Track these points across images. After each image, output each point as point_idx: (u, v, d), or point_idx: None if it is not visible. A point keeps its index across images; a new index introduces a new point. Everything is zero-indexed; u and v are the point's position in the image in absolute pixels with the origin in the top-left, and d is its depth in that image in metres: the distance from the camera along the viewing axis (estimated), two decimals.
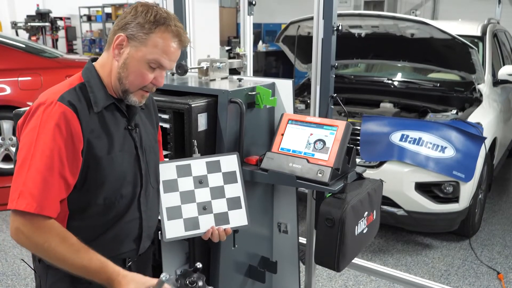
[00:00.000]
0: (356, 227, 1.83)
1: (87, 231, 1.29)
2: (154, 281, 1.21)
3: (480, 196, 3.79)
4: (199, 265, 1.25)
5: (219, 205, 1.63)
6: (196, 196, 1.62)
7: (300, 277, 2.27)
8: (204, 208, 1.61)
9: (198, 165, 1.67)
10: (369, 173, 3.16)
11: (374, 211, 1.98)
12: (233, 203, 1.65)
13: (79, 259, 1.23)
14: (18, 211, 1.21)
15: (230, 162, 1.70)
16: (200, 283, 1.21)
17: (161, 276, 1.17)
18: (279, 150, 1.89)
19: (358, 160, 3.30)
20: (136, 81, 1.34)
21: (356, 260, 2.33)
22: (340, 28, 1.93)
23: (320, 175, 1.74)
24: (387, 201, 3.36)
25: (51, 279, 1.39)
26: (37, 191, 1.21)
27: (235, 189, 1.67)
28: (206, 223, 1.60)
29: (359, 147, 3.37)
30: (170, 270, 1.89)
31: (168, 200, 1.59)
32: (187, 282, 1.18)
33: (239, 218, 1.65)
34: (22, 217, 1.21)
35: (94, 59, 1.42)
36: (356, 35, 3.74)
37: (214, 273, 1.92)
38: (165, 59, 1.34)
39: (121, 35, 1.32)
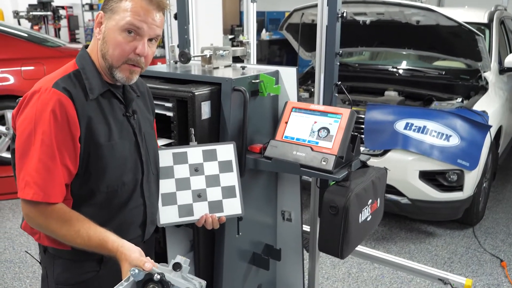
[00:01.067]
0: (360, 215, 1.83)
1: (92, 219, 1.29)
2: (142, 261, 1.19)
3: (484, 185, 3.78)
4: (181, 260, 1.21)
5: (214, 193, 1.64)
6: (192, 183, 1.64)
7: (304, 265, 2.28)
8: (199, 195, 1.63)
9: (194, 153, 1.67)
10: (373, 162, 3.15)
11: (378, 199, 1.98)
12: (228, 192, 1.66)
13: (79, 239, 1.26)
14: (25, 200, 1.25)
15: (226, 151, 1.71)
16: None
17: (130, 270, 1.15)
18: (283, 138, 1.88)
19: (362, 149, 3.29)
20: (116, 52, 1.30)
21: (359, 248, 2.33)
22: (344, 15, 1.91)
23: (324, 163, 1.73)
24: (391, 189, 3.36)
25: (58, 269, 1.40)
26: (41, 180, 1.23)
27: (231, 178, 1.68)
28: (200, 210, 1.61)
29: (363, 136, 3.36)
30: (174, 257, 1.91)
31: (163, 186, 1.60)
32: None
33: (233, 207, 1.66)
34: (29, 204, 1.26)
35: (88, 46, 1.40)
36: (360, 22, 3.71)
37: (218, 261, 1.93)
38: (138, 21, 1.28)
39: (100, 12, 1.32)
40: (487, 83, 3.95)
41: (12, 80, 4.53)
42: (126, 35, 1.28)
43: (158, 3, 1.31)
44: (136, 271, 1.15)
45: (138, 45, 1.30)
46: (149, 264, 1.16)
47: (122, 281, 1.16)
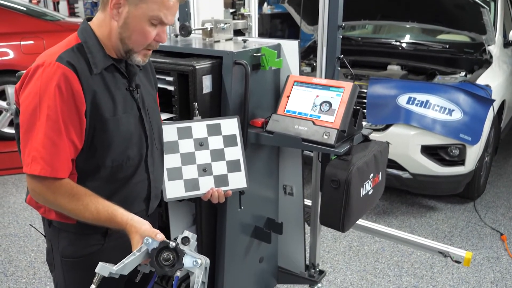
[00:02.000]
0: (362, 188, 1.83)
1: (97, 193, 1.30)
2: (154, 232, 1.23)
3: (486, 159, 3.78)
4: (189, 234, 1.23)
5: (219, 168, 1.65)
6: (197, 158, 1.65)
7: (305, 238, 2.30)
8: (204, 170, 1.64)
9: (199, 127, 1.67)
10: (375, 136, 3.13)
11: (380, 173, 1.98)
12: (233, 166, 1.67)
13: (88, 213, 1.27)
14: (31, 175, 1.25)
15: (230, 125, 1.71)
16: (177, 263, 1.17)
17: (144, 239, 1.18)
18: (285, 112, 1.87)
19: (364, 123, 3.28)
20: (140, 40, 1.31)
21: (360, 222, 2.35)
22: None
23: (326, 137, 1.73)
24: (393, 164, 3.37)
25: (63, 243, 1.42)
26: (48, 156, 1.23)
27: (235, 152, 1.69)
28: (206, 185, 1.63)
29: (365, 111, 3.35)
30: (178, 231, 1.93)
31: (169, 161, 1.61)
32: (161, 258, 1.17)
33: (238, 180, 1.67)
34: (36, 180, 1.26)
35: (89, 19, 1.38)
36: None
37: (221, 234, 1.95)
38: (166, 14, 1.30)
39: None
40: (491, 56, 3.90)
41: (12, 54, 4.49)
42: (151, 24, 1.30)
43: None
44: (150, 240, 1.18)
45: (161, 34, 1.33)
46: (161, 234, 1.20)
47: (134, 251, 1.18)
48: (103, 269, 1.13)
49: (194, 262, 1.19)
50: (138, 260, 1.18)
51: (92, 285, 1.12)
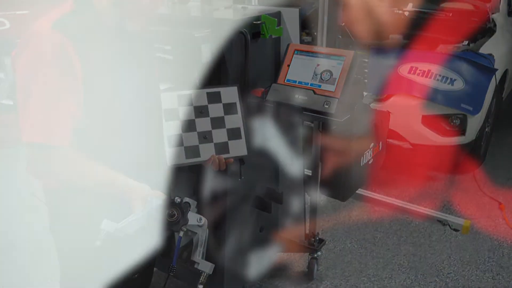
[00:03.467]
0: (362, 158, 1.84)
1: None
2: (156, 193, 1.23)
3: (486, 129, 3.78)
4: (185, 199, 1.25)
5: (219, 135, 1.66)
6: (197, 125, 1.65)
7: (305, 208, 2.32)
8: (205, 137, 1.64)
9: (199, 95, 1.67)
10: (376, 106, 3.13)
11: (380, 143, 1.98)
12: (233, 134, 1.68)
13: (87, 179, 1.28)
14: (30, 143, 1.24)
15: (230, 93, 1.70)
16: (180, 218, 1.19)
17: (148, 198, 1.19)
18: (285, 81, 1.85)
19: (365, 94, 3.26)
20: (133, 4, 1.28)
21: (360, 191, 2.37)
22: None
23: (327, 106, 1.72)
24: (393, 134, 3.35)
25: (64, 210, 1.42)
26: (46, 123, 1.22)
27: (235, 120, 1.69)
28: (207, 152, 1.63)
29: (366, 81, 3.32)
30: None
31: (169, 128, 1.61)
32: (166, 214, 1.18)
33: (238, 148, 1.68)
34: (35, 148, 1.25)
35: None
36: None
37: (221, 204, 1.96)
38: None
39: None
40: (495, 25, 3.84)
41: (7, 25, 4.42)
42: None
43: None
44: (154, 199, 1.18)
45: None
46: (163, 194, 1.21)
47: (138, 211, 1.18)
48: (108, 225, 1.13)
49: (199, 219, 1.20)
50: (143, 219, 1.18)
51: (97, 241, 1.12)
